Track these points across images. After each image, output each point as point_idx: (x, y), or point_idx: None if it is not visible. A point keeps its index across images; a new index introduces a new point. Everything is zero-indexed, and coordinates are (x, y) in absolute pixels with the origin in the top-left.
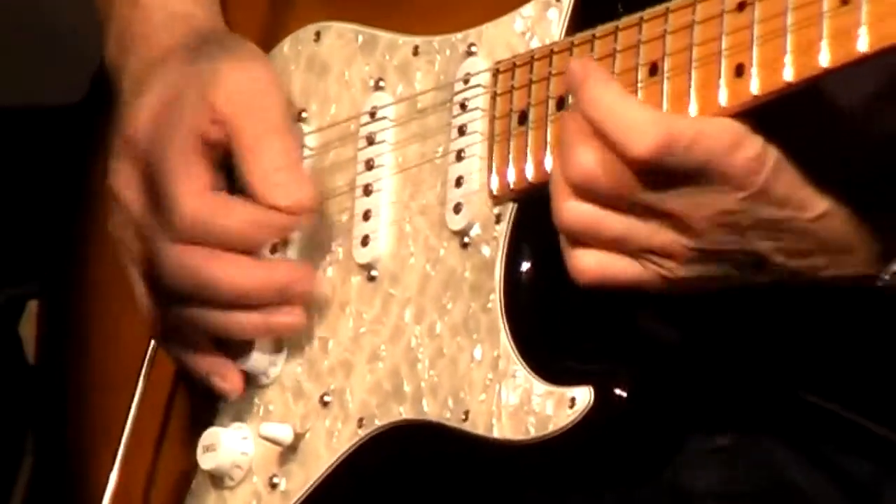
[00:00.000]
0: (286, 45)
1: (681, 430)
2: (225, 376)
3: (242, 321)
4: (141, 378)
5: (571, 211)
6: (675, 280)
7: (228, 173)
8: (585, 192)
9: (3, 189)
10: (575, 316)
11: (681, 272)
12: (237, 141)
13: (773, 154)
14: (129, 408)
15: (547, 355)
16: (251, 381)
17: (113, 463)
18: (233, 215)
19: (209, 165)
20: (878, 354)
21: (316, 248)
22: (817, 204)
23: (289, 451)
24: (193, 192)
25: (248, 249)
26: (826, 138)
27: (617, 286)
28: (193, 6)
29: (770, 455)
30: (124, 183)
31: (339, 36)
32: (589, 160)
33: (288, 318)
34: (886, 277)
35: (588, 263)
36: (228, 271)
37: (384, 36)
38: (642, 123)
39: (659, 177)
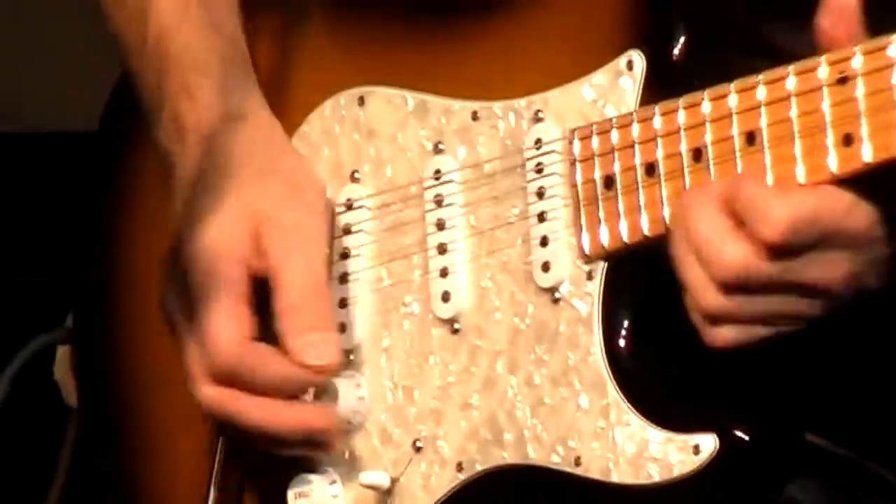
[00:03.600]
0: (327, 109)
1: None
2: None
3: (275, 444)
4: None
5: (716, 301)
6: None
7: None
8: (734, 286)
9: (22, 239)
10: (680, 364)
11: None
12: (280, 291)
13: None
14: (214, 458)
15: (658, 403)
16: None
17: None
18: (268, 370)
19: (250, 307)
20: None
21: (388, 303)
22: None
23: (384, 495)
24: (235, 341)
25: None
26: None
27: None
28: (248, 104)
29: None
30: (171, 285)
31: (387, 101)
32: (738, 256)
33: (316, 449)
34: None
35: (726, 337)
36: (254, 413)
37: (436, 101)
38: (772, 208)
39: (787, 254)
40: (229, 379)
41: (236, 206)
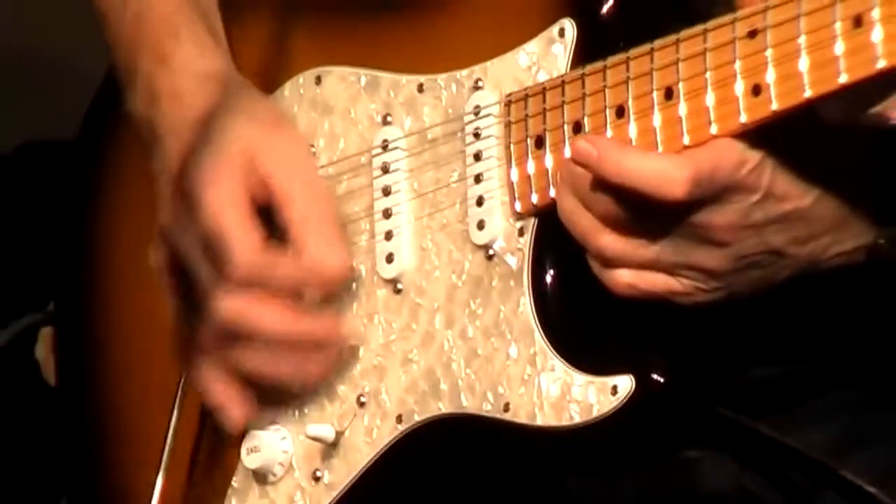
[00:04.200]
0: (287, 89)
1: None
2: (235, 411)
3: (277, 362)
4: (177, 399)
5: (610, 242)
6: (709, 290)
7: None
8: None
9: (9, 226)
10: (602, 311)
11: (713, 282)
12: (290, 206)
13: (769, 160)
14: (169, 422)
15: (581, 349)
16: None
17: (156, 473)
18: (287, 269)
19: (257, 219)
20: None
21: None
22: (811, 191)
23: (330, 448)
24: (249, 249)
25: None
26: (813, 139)
27: (651, 298)
28: (218, 63)
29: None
30: (176, 223)
31: (342, 79)
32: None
33: (317, 367)
34: (882, 241)
35: (622, 281)
36: (272, 316)
37: (386, 76)
38: (670, 171)
39: (685, 205)
40: (249, 286)
41: (229, 141)
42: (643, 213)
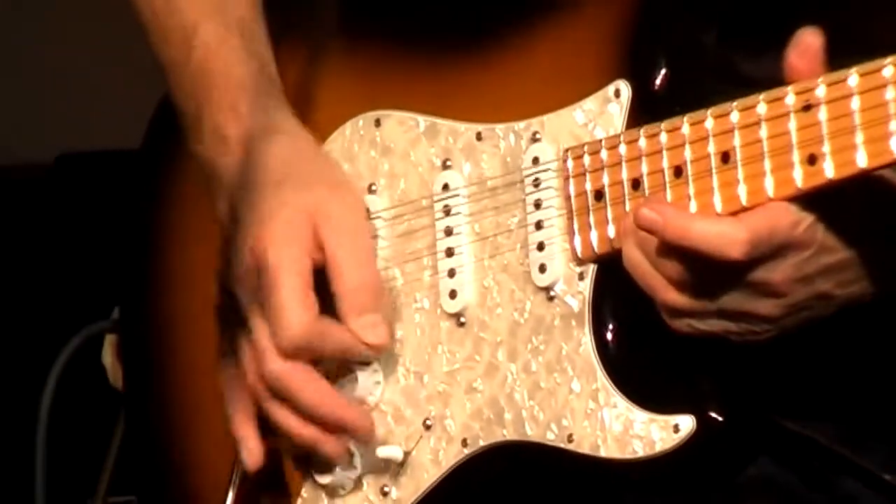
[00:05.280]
0: (347, 129)
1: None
2: (250, 452)
3: (298, 428)
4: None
5: (672, 300)
6: (761, 332)
7: None
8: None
9: (75, 237)
10: (660, 351)
11: (766, 326)
12: (340, 278)
13: (821, 216)
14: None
15: (641, 387)
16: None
17: (228, 481)
18: (332, 342)
19: (313, 287)
20: None
21: (401, 299)
22: (859, 239)
23: (398, 466)
24: (302, 321)
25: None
26: (860, 194)
27: (708, 336)
28: (281, 116)
29: None
30: (235, 272)
31: (401, 123)
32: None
33: (330, 450)
34: None
35: (683, 326)
36: (312, 390)
37: (444, 123)
38: (730, 233)
39: (745, 264)
40: (297, 355)
41: (293, 204)
42: (706, 271)
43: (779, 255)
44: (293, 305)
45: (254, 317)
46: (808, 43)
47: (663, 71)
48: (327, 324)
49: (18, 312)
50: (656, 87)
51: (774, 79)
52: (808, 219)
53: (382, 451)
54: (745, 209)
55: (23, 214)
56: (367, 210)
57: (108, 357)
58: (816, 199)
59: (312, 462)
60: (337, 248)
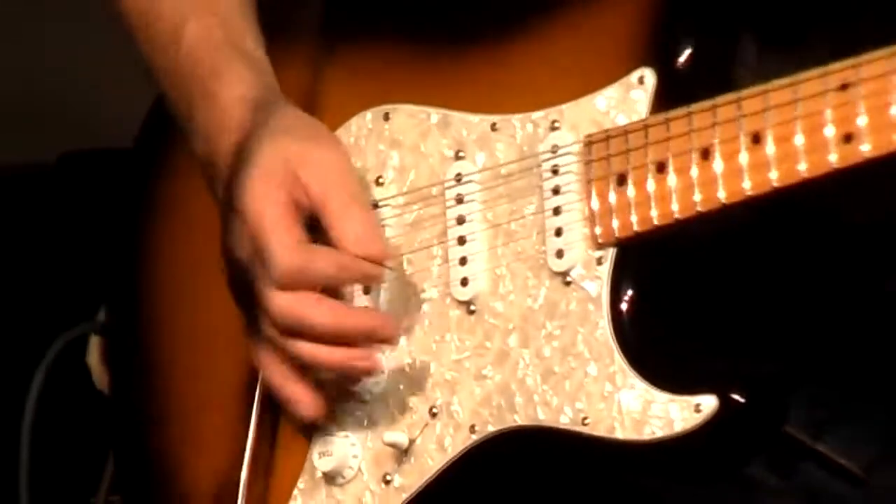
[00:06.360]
0: (354, 125)
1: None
2: (306, 404)
3: (328, 355)
4: (256, 403)
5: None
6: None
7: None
8: None
9: (78, 235)
10: (679, 333)
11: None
12: (326, 211)
13: None
14: (248, 424)
15: (660, 368)
16: (353, 397)
17: (240, 472)
18: (322, 261)
19: (299, 223)
20: None
21: (408, 289)
22: None
23: (401, 454)
24: (287, 246)
25: (337, 289)
26: None
27: None
28: (260, 91)
29: None
30: (230, 240)
31: (410, 116)
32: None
33: (365, 363)
34: None
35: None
36: (320, 310)
37: (457, 115)
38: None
39: None
40: (294, 282)
41: (271, 157)
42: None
43: None
44: (275, 235)
45: (250, 270)
46: None
47: (689, 52)
48: (315, 247)
49: (18, 312)
50: (681, 73)
51: (801, 69)
52: None
53: (388, 437)
54: (776, 190)
55: (25, 213)
56: (374, 202)
57: (93, 358)
58: None
59: (314, 449)
60: (319, 184)
